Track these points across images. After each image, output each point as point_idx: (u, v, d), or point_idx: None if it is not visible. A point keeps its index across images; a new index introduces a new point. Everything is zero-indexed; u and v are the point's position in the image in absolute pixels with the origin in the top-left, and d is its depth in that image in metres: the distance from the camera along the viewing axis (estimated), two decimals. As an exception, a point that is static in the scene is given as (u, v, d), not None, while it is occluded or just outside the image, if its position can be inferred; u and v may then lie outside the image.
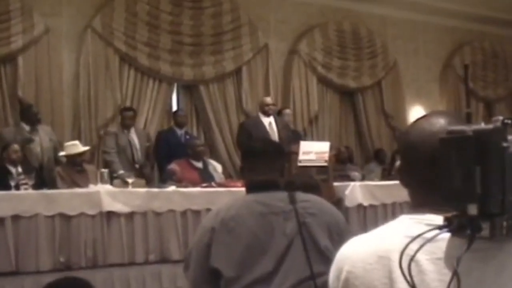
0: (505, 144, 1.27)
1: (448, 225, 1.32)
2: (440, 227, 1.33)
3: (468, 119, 1.35)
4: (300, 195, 3.02)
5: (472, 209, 1.27)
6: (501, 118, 1.29)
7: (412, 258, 1.32)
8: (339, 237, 2.89)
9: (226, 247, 2.88)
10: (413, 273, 1.32)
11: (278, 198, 2.98)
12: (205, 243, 2.91)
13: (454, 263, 1.28)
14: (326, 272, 2.72)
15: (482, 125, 1.30)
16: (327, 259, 2.79)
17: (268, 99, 9.91)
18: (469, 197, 1.27)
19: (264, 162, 3.09)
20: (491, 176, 1.26)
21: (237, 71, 11.13)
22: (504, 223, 1.27)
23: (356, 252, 1.52)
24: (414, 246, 1.32)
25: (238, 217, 2.93)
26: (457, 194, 1.30)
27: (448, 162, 1.31)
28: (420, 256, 1.35)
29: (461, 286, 1.28)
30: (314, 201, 3.07)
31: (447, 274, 1.33)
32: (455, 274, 1.28)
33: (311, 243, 2.88)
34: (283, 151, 3.35)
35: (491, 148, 1.27)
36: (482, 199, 1.26)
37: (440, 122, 1.50)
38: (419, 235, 1.34)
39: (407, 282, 1.32)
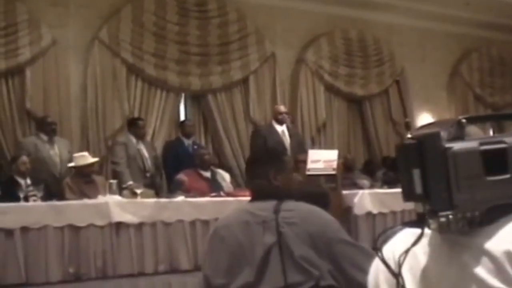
0: (447, 145, 1.37)
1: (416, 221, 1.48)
2: (407, 223, 1.53)
3: (407, 127, 1.51)
4: (287, 204, 2.96)
5: (418, 207, 1.46)
6: (460, 117, 1.42)
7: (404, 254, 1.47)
8: (326, 246, 2.84)
9: (216, 255, 2.95)
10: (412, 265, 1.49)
11: (264, 208, 2.97)
12: (205, 251, 3.08)
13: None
14: (301, 282, 2.76)
15: (425, 131, 1.45)
16: (303, 269, 2.78)
17: (282, 108, 9.91)
18: (412, 198, 1.45)
19: (262, 170, 3.09)
20: (430, 177, 1.39)
21: (244, 80, 11.12)
22: (451, 217, 1.39)
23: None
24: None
25: (229, 226, 3.00)
26: (404, 195, 1.48)
27: (398, 167, 1.48)
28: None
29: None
30: (300, 210, 2.97)
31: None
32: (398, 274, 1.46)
33: (287, 253, 2.85)
34: (283, 158, 3.28)
35: (430, 151, 1.40)
36: (423, 198, 1.42)
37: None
38: (385, 231, 1.61)
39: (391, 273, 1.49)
